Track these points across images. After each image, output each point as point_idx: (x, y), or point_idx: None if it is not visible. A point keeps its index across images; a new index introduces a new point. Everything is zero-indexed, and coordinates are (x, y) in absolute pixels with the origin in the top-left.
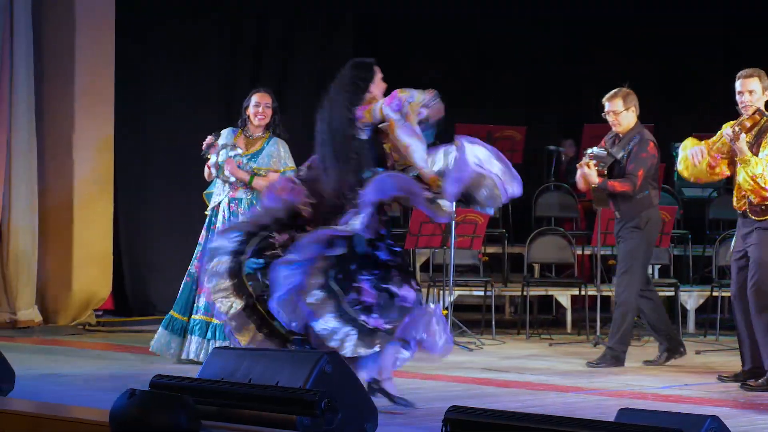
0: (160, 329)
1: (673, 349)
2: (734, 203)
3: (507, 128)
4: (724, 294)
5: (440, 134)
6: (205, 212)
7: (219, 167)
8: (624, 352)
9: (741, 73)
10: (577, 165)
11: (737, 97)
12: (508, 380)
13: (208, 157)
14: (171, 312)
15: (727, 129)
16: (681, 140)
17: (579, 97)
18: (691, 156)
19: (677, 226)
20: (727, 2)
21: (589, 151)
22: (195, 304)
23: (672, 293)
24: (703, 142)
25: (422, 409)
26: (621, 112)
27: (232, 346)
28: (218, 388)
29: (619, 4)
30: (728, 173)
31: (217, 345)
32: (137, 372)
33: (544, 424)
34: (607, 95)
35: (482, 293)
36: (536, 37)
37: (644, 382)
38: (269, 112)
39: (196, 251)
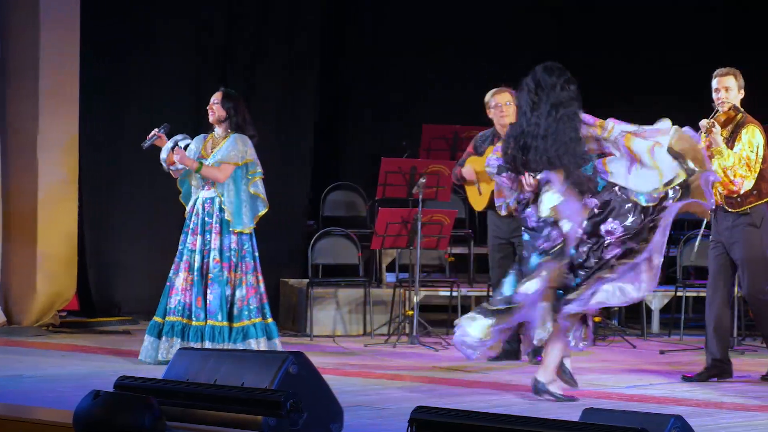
0: (146, 337)
1: None
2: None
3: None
4: (688, 294)
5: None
6: (185, 215)
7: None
8: None
9: (717, 71)
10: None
11: (714, 94)
12: (473, 380)
13: (145, 148)
14: (155, 318)
15: (702, 121)
16: None
17: None
18: None
19: None
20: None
21: None
22: (168, 306)
23: None
24: None
25: (388, 410)
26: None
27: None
28: (183, 389)
29: None
30: None
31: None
32: (102, 373)
33: (509, 424)
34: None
35: (448, 293)
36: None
37: (608, 382)
38: (217, 107)
39: (176, 257)
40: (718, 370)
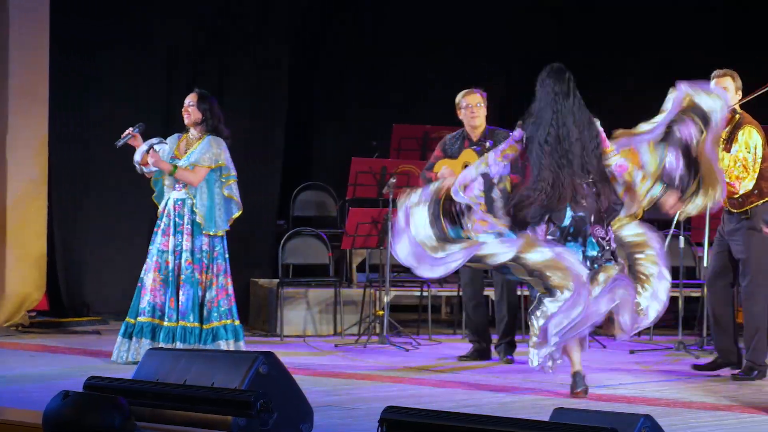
0: (119, 338)
1: None
2: None
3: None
4: None
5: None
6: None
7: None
8: None
9: (715, 73)
10: None
11: None
12: (444, 380)
13: (119, 147)
14: (127, 319)
15: None
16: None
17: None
18: None
19: None
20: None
21: None
22: (139, 306)
23: None
24: None
25: (358, 410)
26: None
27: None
28: (153, 389)
29: None
30: None
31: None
32: (71, 373)
33: (479, 424)
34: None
35: (418, 293)
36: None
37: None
38: (193, 110)
39: (148, 257)
40: (724, 360)
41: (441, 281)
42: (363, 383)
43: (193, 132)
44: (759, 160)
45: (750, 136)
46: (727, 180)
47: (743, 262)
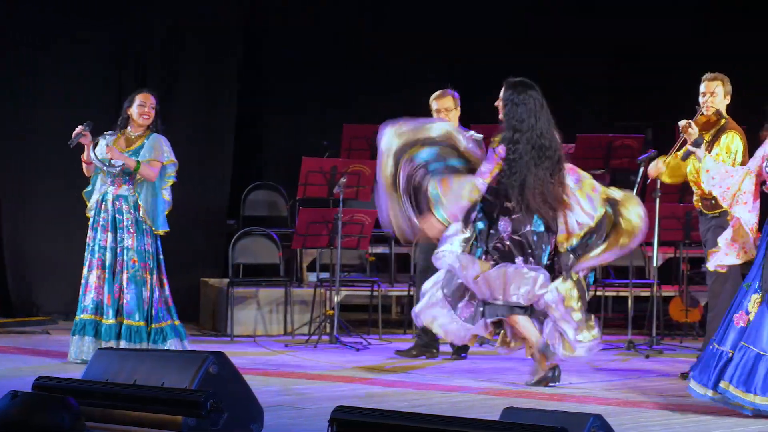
0: (71, 337)
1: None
2: (694, 201)
3: None
4: (607, 293)
5: None
6: (87, 213)
7: (101, 159)
8: None
9: (706, 76)
10: None
11: (700, 97)
12: (394, 380)
13: (72, 146)
14: (76, 317)
15: (681, 121)
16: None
17: None
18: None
19: None
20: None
21: None
22: (82, 303)
23: None
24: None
25: (309, 409)
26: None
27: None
28: (103, 389)
29: None
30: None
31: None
32: (20, 374)
33: (430, 424)
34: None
35: (369, 293)
36: None
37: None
38: (153, 113)
39: (86, 252)
40: None
41: (392, 281)
42: (313, 383)
43: (132, 130)
44: (738, 165)
45: (732, 140)
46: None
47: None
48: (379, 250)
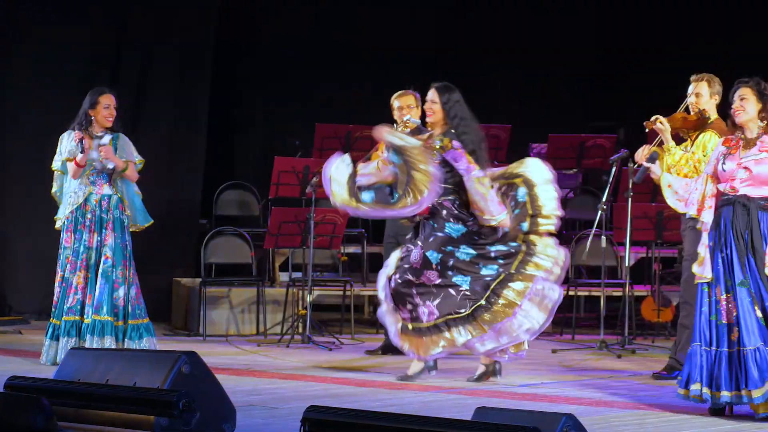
0: (47, 341)
1: None
2: None
3: (367, 128)
4: (579, 293)
5: None
6: (56, 217)
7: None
8: None
9: (693, 76)
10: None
11: (687, 98)
12: (366, 379)
13: (81, 152)
14: (52, 320)
15: (653, 117)
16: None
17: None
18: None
19: None
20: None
21: None
22: (65, 305)
23: None
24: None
25: (281, 409)
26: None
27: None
28: (75, 389)
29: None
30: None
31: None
32: None
33: (402, 423)
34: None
35: (341, 293)
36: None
37: (500, 380)
38: (115, 112)
39: (63, 254)
40: None
41: (364, 280)
42: (286, 383)
43: (93, 131)
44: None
45: (710, 140)
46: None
47: (686, 258)
48: (352, 249)
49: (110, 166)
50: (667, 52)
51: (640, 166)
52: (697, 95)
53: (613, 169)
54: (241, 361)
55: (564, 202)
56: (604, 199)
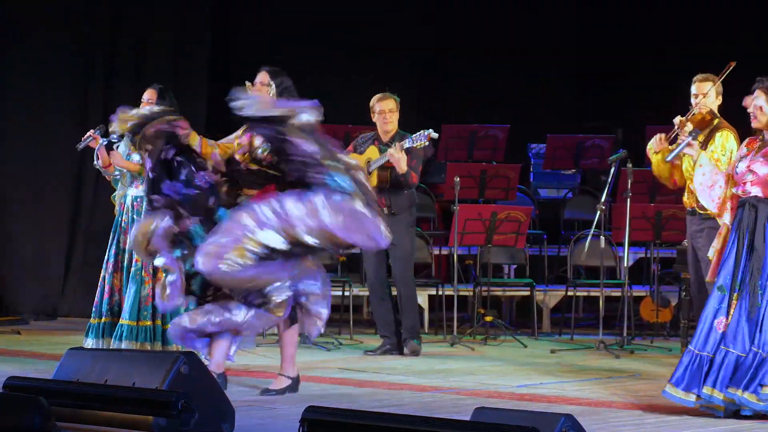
0: (86, 339)
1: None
2: (685, 199)
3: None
4: (579, 294)
5: None
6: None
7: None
8: None
9: (696, 77)
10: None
11: (692, 99)
12: (365, 380)
13: (80, 149)
14: (91, 320)
15: (676, 118)
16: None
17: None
18: (650, 147)
19: (532, 226)
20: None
21: None
22: (104, 307)
23: (527, 293)
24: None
25: (280, 409)
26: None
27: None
28: (73, 389)
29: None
30: (680, 184)
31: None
32: None
33: (401, 424)
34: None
35: (340, 293)
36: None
37: (499, 381)
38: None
39: (105, 255)
40: None
41: (362, 281)
42: None
43: None
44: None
45: (727, 139)
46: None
47: (703, 261)
48: (350, 250)
49: (116, 172)
50: (666, 52)
51: (668, 150)
52: (705, 95)
53: (612, 170)
54: (240, 361)
55: (563, 202)
56: (602, 199)
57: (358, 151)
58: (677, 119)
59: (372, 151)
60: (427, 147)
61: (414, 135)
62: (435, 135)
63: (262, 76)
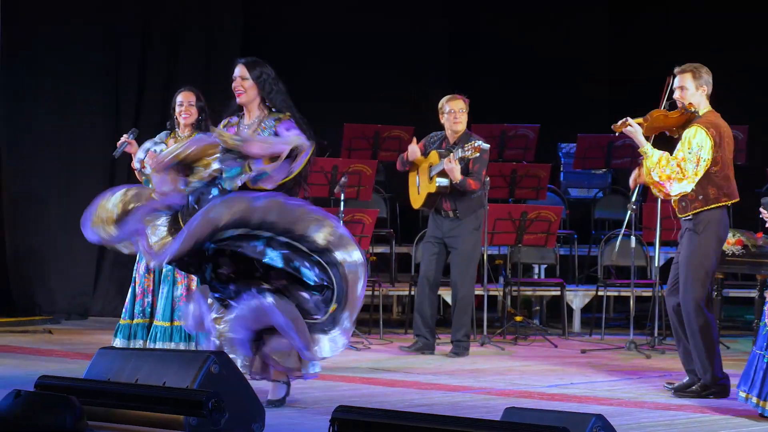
0: (115, 339)
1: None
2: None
3: (396, 128)
4: (609, 293)
5: None
6: None
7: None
8: None
9: (676, 69)
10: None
11: (675, 92)
12: (395, 380)
13: (117, 156)
14: (120, 321)
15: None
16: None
17: None
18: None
19: (563, 226)
20: None
21: None
22: (138, 308)
23: (558, 293)
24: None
25: (310, 409)
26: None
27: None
28: (105, 389)
29: None
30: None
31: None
32: (22, 373)
33: (431, 423)
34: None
35: (370, 293)
36: None
37: (530, 381)
38: (193, 110)
39: (138, 256)
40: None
41: (393, 280)
42: (314, 383)
43: (180, 131)
44: (704, 163)
45: (694, 135)
46: (656, 179)
47: (681, 266)
48: (380, 249)
49: (147, 171)
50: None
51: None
52: (682, 89)
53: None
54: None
55: (593, 202)
56: (633, 199)
57: (428, 150)
58: (620, 121)
59: (433, 156)
60: (484, 152)
61: (466, 144)
62: (486, 146)
63: (240, 70)
